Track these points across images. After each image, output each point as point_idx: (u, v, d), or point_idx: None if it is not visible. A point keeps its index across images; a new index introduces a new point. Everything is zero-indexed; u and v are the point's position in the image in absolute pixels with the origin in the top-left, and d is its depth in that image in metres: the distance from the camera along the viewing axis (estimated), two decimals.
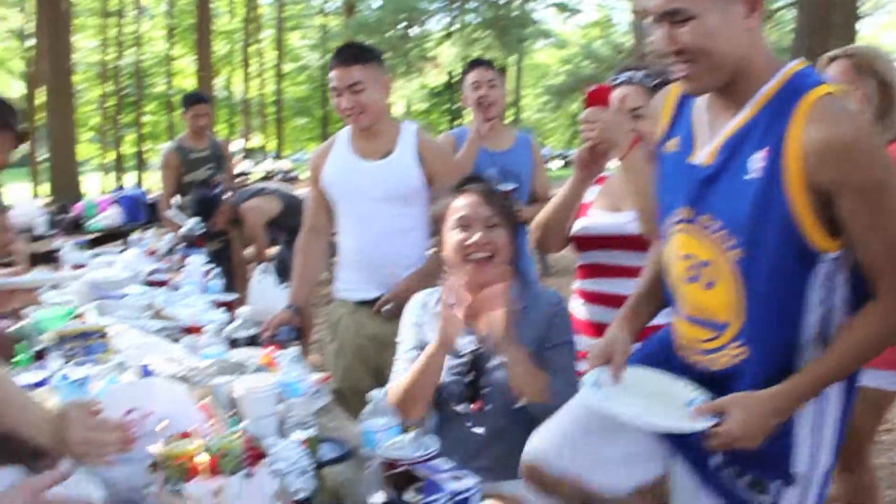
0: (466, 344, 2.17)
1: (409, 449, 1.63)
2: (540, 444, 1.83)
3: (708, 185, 1.62)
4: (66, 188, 14.52)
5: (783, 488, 1.65)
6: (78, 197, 11.17)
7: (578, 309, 2.48)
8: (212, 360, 2.29)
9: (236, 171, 6.71)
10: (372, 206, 2.88)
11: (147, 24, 29.67)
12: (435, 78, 23.93)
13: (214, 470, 1.29)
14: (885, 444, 3.86)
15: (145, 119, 30.51)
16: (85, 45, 27.13)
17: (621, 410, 1.60)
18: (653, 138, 2.37)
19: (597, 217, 2.45)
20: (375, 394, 1.86)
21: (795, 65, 1.59)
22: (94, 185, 25.58)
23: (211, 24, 21.86)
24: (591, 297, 2.48)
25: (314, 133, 35.94)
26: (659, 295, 1.87)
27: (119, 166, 29.10)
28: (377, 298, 2.88)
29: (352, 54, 2.84)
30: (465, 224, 2.19)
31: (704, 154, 1.64)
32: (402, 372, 2.23)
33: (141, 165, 28.91)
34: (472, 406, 2.16)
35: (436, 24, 22.80)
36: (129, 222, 7.12)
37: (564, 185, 2.37)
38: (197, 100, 5.92)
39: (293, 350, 2.09)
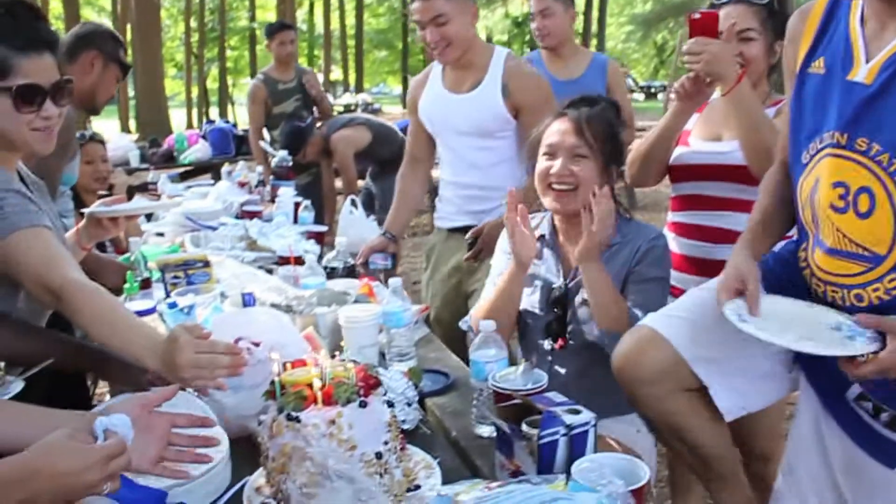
0: (553, 278, 2.13)
1: (520, 381, 1.58)
2: (667, 320, 1.74)
3: (870, 104, 1.48)
4: (155, 123, 14.88)
5: None
6: (168, 131, 11.38)
7: (670, 242, 2.37)
8: (313, 289, 2.28)
9: None
10: (460, 139, 2.87)
11: None
12: (519, 6, 23.36)
13: (328, 399, 1.26)
14: None
15: (228, 53, 30.81)
16: None
17: (778, 338, 1.50)
18: (760, 63, 2.23)
19: (696, 146, 2.36)
20: (484, 324, 1.80)
21: None
22: (180, 120, 26.08)
23: None
24: (684, 230, 2.40)
25: (394, 66, 35.82)
26: (778, 223, 1.77)
27: (204, 101, 29.57)
28: (466, 227, 2.88)
29: None
30: (550, 152, 2.12)
31: (865, 71, 1.50)
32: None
33: (225, 100, 29.34)
34: (556, 343, 2.11)
35: None
36: (219, 155, 7.21)
37: (664, 116, 2.29)
38: (281, 27, 5.89)
39: (396, 281, 2.05)
